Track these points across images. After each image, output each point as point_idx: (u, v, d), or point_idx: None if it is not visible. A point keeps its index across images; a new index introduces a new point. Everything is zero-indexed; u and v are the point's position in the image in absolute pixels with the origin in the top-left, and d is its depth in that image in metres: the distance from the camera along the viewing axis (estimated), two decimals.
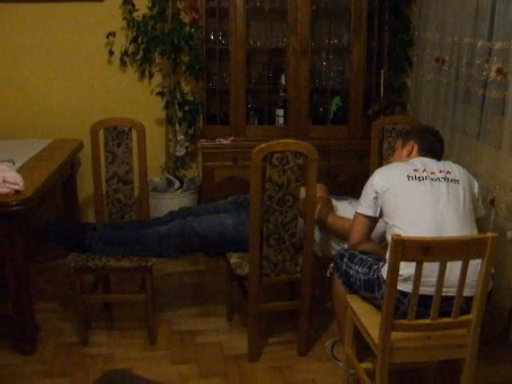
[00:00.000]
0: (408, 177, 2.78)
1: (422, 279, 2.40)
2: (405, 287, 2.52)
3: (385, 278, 2.62)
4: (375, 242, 3.03)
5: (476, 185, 2.89)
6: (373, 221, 2.91)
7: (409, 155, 3.04)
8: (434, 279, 2.44)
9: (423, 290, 2.46)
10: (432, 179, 2.77)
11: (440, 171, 2.81)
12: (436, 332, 2.55)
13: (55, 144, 4.40)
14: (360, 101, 4.57)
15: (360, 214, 2.92)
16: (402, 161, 3.03)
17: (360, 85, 4.55)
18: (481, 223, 2.87)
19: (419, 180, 2.77)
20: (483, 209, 2.95)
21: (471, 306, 2.50)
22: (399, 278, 2.42)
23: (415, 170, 2.81)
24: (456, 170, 2.85)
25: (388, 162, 3.60)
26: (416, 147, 3.04)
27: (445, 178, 2.78)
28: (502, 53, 3.31)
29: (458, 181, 2.79)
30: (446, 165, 2.88)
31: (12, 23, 4.64)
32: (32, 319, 3.41)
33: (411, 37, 4.69)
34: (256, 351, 3.34)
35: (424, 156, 2.97)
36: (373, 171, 3.84)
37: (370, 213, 2.88)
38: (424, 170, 2.81)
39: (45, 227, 3.49)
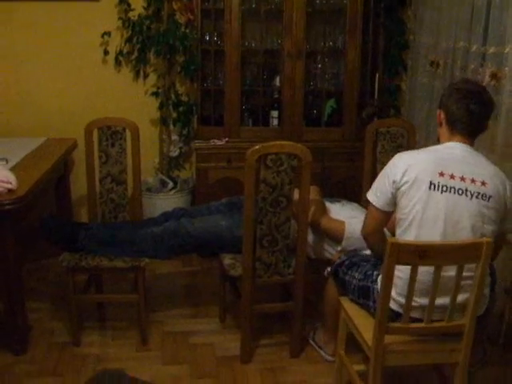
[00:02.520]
0: (431, 184, 2.49)
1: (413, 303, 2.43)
2: (397, 307, 2.52)
3: (379, 289, 2.58)
4: (387, 236, 2.81)
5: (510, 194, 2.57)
6: (388, 215, 2.69)
7: (440, 125, 2.67)
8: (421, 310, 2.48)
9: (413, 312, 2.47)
10: (458, 192, 2.48)
11: (472, 181, 2.49)
12: (429, 336, 2.56)
13: (49, 143, 4.39)
14: (354, 103, 4.59)
15: (374, 206, 2.69)
16: (440, 137, 2.69)
17: (354, 87, 4.56)
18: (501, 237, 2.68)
19: (441, 192, 2.48)
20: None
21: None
22: (391, 301, 2.44)
23: (441, 174, 2.49)
24: (491, 182, 2.51)
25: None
26: (444, 118, 2.65)
27: (472, 194, 2.48)
28: (496, 57, 3.33)
29: (489, 197, 2.49)
30: (481, 171, 2.53)
31: (6, 22, 4.62)
32: (23, 319, 3.40)
33: (406, 40, 4.71)
34: (248, 352, 3.34)
35: (459, 137, 2.60)
36: (366, 174, 3.84)
37: (385, 208, 2.65)
38: (452, 176, 2.49)
39: (38, 225, 3.49)
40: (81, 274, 3.55)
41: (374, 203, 2.67)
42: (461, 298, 2.45)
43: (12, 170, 3.42)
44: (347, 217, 3.35)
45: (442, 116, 2.64)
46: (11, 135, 4.54)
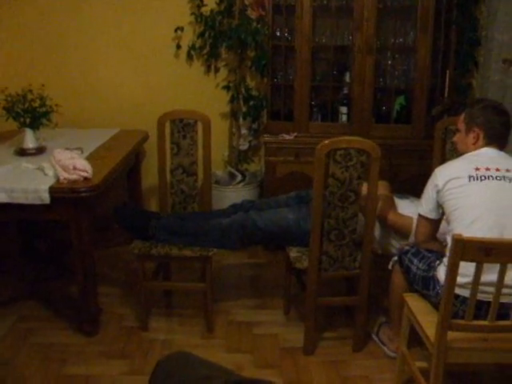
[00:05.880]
0: (469, 177, 2.68)
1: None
2: (457, 290, 2.50)
3: (439, 278, 2.68)
4: (440, 242, 2.98)
5: None
6: (436, 222, 2.90)
7: (475, 143, 2.86)
8: (487, 288, 2.46)
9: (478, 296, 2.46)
10: (497, 178, 2.66)
11: (507, 170, 2.68)
12: (493, 334, 2.55)
13: (121, 134, 4.52)
14: (424, 100, 4.54)
15: (422, 216, 2.91)
16: (467, 148, 2.89)
17: (424, 84, 4.51)
18: None
19: (481, 180, 2.66)
20: None
21: None
22: None
23: (477, 169, 2.69)
24: None
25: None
26: (482, 135, 2.84)
27: (511, 179, 2.65)
28: None
29: None
30: None
31: (82, 16, 4.76)
32: (95, 302, 3.53)
33: (478, 37, 4.63)
34: (311, 345, 3.38)
35: (491, 145, 2.82)
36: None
37: (432, 215, 2.87)
38: (487, 169, 2.68)
39: (112, 213, 3.60)
40: (150, 262, 3.64)
41: (419, 212, 2.94)
42: None
43: (87, 159, 3.53)
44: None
45: (480, 133, 2.84)
46: (86, 126, 4.68)
